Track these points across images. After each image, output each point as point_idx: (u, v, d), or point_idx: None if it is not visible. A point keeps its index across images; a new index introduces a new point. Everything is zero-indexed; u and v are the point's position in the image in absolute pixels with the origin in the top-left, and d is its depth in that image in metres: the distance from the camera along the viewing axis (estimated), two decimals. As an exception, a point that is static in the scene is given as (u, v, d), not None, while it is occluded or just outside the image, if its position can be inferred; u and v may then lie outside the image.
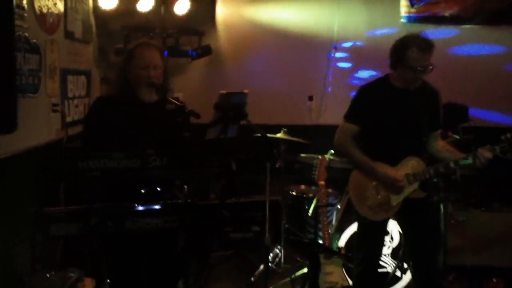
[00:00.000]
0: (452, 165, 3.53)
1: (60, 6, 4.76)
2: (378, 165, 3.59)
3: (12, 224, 3.65)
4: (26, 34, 4.03)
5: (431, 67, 3.49)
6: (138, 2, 5.77)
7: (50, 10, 4.51)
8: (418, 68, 3.46)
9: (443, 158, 3.64)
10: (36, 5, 4.24)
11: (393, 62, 3.57)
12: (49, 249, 4.07)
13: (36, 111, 4.29)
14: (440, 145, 3.75)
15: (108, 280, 3.22)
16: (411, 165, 3.59)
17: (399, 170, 3.57)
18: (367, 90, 3.74)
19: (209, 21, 6.46)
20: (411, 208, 3.61)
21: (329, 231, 4.63)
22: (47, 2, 4.44)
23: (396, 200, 3.60)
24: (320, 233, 4.67)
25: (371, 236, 3.74)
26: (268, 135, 3.88)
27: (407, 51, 3.47)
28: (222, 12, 6.49)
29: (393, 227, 4.54)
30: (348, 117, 3.70)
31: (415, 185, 3.59)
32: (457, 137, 4.83)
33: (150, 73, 3.19)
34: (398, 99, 3.60)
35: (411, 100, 3.60)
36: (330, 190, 5.22)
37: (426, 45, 3.46)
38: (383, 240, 3.88)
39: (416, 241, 3.69)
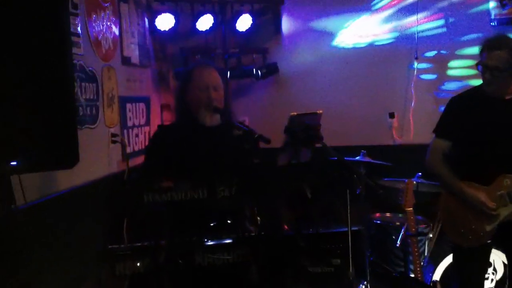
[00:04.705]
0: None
1: (116, 31, 4.94)
2: (468, 187, 3.57)
3: (76, 261, 3.77)
4: (82, 62, 4.21)
5: None
6: (197, 22, 5.92)
7: (105, 36, 4.69)
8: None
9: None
10: (91, 31, 4.42)
11: (477, 65, 3.60)
12: (115, 288, 4.20)
13: (95, 143, 4.44)
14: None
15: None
16: (506, 183, 3.54)
17: (492, 191, 3.54)
18: (458, 101, 3.74)
19: (274, 37, 6.56)
20: (510, 233, 3.56)
21: (421, 263, 4.57)
22: (102, 28, 4.64)
23: (491, 225, 3.56)
24: (411, 266, 4.62)
25: (469, 266, 3.69)
26: (346, 158, 3.91)
27: (483, 52, 3.52)
28: (288, 25, 6.58)
29: (496, 257, 4.44)
30: (439, 131, 3.70)
31: (512, 207, 3.54)
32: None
33: (210, 94, 3.30)
34: (492, 109, 3.58)
35: (507, 111, 3.57)
36: (420, 217, 5.16)
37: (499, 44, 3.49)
38: (484, 271, 3.81)
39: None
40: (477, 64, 3.58)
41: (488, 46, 3.52)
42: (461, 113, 3.66)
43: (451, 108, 3.75)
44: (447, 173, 3.66)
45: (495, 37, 3.56)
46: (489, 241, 3.65)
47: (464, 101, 3.72)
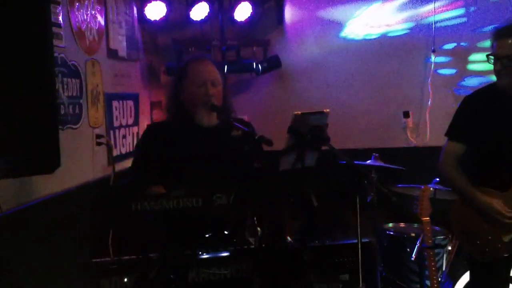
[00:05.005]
0: None
1: (101, 21, 4.93)
2: (483, 193, 3.58)
3: (56, 277, 3.76)
4: (64, 55, 4.19)
5: None
6: (191, 10, 5.91)
7: (89, 26, 4.68)
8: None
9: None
10: (74, 20, 4.40)
11: (488, 56, 3.61)
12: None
13: (78, 145, 4.42)
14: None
15: None
16: (525, 190, 3.56)
17: (510, 197, 3.54)
18: (471, 100, 3.74)
19: (276, 27, 6.57)
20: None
21: (439, 278, 4.56)
22: (85, 17, 4.62)
23: (509, 235, 3.56)
24: (427, 282, 4.61)
25: (487, 283, 3.69)
26: (356, 162, 3.90)
27: (493, 42, 3.56)
28: (291, 15, 6.59)
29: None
30: (451, 134, 3.71)
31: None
32: None
33: (208, 91, 3.31)
34: (508, 107, 3.59)
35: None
36: (437, 227, 5.16)
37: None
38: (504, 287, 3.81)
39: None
40: (488, 56, 3.59)
41: (498, 34, 3.54)
42: (475, 113, 3.66)
43: (463, 108, 3.75)
44: (458, 177, 3.67)
45: (504, 25, 3.57)
46: (507, 255, 3.64)
47: (477, 100, 3.73)
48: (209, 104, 3.31)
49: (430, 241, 4.54)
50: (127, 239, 3.21)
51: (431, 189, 4.71)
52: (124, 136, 5.39)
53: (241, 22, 6.18)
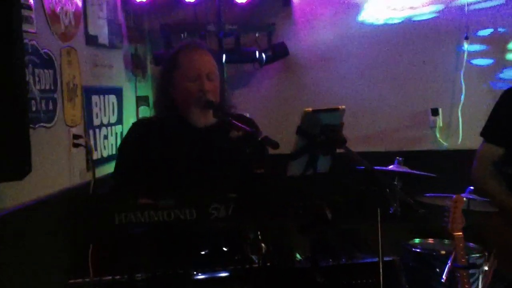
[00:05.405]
0: None
1: (78, 2, 4.93)
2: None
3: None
4: (35, 42, 4.20)
5: None
6: (183, -11, 5.94)
7: (65, 8, 4.68)
8: None
9: None
10: (47, 2, 4.40)
11: None
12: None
13: (52, 147, 4.42)
14: None
15: None
16: None
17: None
18: (510, 95, 3.74)
19: (282, 9, 6.58)
20: None
21: (473, 304, 4.58)
22: (60, -2, 4.64)
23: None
24: (460, 308, 4.61)
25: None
26: (376, 168, 3.90)
27: None
28: (300, -5, 6.60)
29: None
30: (487, 134, 3.71)
31: None
32: None
33: (203, 86, 3.32)
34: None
35: None
36: (471, 244, 5.16)
37: None
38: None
39: None
40: None
41: None
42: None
43: (502, 104, 3.75)
44: (497, 187, 3.67)
45: None
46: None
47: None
48: (204, 100, 3.31)
49: (463, 260, 4.54)
50: (109, 257, 3.20)
51: (464, 199, 4.70)
52: (105, 137, 5.39)
53: (241, 3, 6.20)
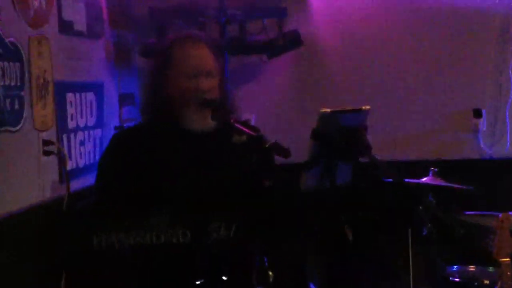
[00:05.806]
0: None
1: (51, -18, 4.95)
2: None
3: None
4: (-1, 29, 4.23)
5: None
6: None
7: (34, -10, 4.69)
8: None
9: None
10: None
11: None
12: None
13: (19, 154, 4.40)
14: None
15: None
16: None
17: None
18: None
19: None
20: None
21: None
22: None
23: None
24: None
25: None
26: (407, 180, 3.87)
27: None
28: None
29: None
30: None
31: None
32: None
33: (201, 84, 3.30)
34: None
35: None
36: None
37: None
38: None
39: None
40: None
41: None
42: None
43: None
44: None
45: None
46: None
47: None
48: (201, 100, 3.28)
49: (511, 291, 4.51)
50: (86, 285, 3.19)
51: (513, 219, 4.68)
52: (82, 143, 5.38)
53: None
